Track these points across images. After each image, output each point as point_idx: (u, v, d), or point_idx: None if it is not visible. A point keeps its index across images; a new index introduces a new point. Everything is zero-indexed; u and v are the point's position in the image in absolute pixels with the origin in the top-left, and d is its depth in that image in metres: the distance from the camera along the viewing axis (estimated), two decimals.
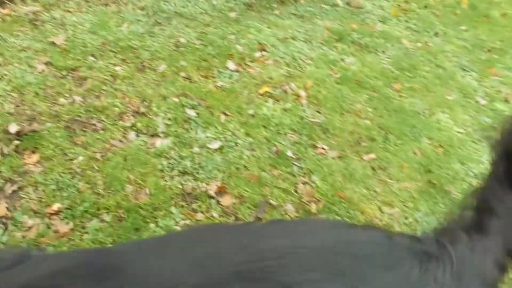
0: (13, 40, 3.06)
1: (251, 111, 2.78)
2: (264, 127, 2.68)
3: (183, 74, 3.03)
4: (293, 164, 2.46)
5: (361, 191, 2.37)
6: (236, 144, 2.52)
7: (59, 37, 3.15)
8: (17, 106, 2.51)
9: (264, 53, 3.45)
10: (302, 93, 3.04)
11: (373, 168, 2.53)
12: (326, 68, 3.38)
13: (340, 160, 2.55)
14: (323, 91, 3.11)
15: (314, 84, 3.16)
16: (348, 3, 4.49)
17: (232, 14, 3.94)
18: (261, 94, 2.97)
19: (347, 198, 2.30)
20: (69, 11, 3.55)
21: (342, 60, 3.53)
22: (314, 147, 2.60)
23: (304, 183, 2.36)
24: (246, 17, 3.93)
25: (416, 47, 3.87)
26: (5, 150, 2.18)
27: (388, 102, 3.10)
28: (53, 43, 3.08)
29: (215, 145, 2.49)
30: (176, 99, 2.77)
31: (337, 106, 2.98)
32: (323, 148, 2.60)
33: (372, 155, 2.61)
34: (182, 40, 3.41)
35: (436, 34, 4.17)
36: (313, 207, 2.22)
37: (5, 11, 3.36)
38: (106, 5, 3.77)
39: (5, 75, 2.71)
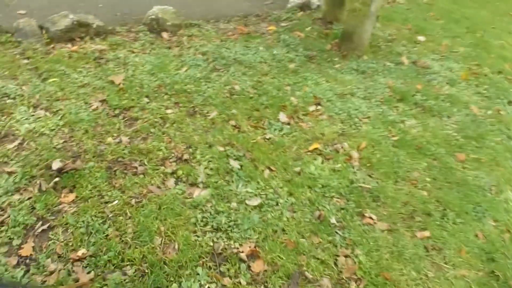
0: (76, 76, 3.18)
1: (297, 168, 2.63)
2: (309, 187, 2.51)
3: (232, 122, 2.97)
4: (336, 232, 2.25)
5: (410, 274, 2.09)
6: (277, 203, 2.36)
7: (119, 76, 3.24)
8: (65, 141, 2.55)
9: (319, 107, 3.32)
10: (355, 154, 2.85)
11: (426, 248, 2.25)
12: (384, 129, 3.18)
13: (389, 234, 2.30)
14: (377, 153, 2.90)
15: (368, 145, 2.96)
16: (414, 62, 4.30)
17: (291, 65, 3.89)
18: (310, 151, 2.82)
19: (393, 280, 2.04)
20: (133, 52, 3.68)
21: (402, 122, 3.31)
22: (362, 216, 2.38)
23: (346, 256, 2.13)
24: (305, 69, 3.86)
25: (485, 115, 3.57)
26: (44, 186, 2.18)
27: (450, 173, 2.82)
28: (112, 82, 3.17)
29: (255, 202, 2.35)
30: (221, 148, 2.69)
31: (392, 172, 2.75)
32: (371, 218, 2.37)
33: (426, 233, 2.34)
34: (237, 87, 3.38)
35: (509, 102, 3.84)
36: (352, 286, 1.99)
37: (74, 47, 3.54)
38: (169, 48, 3.88)
39: (61, 109, 2.79)
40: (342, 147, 2.90)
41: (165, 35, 4.05)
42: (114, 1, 4.53)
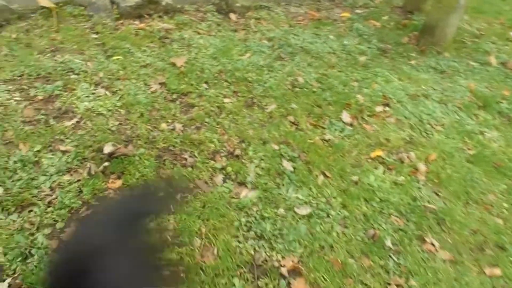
0: (139, 55, 3.15)
1: (355, 177, 2.42)
2: (366, 200, 2.30)
3: (291, 118, 2.80)
4: (390, 257, 2.04)
5: None
6: (328, 215, 2.19)
7: (181, 58, 3.17)
8: (120, 124, 2.52)
9: (387, 108, 3.05)
10: (422, 166, 2.57)
11: None
12: (459, 140, 2.85)
13: (452, 266, 2.05)
14: (448, 168, 2.60)
15: (439, 157, 2.67)
16: (503, 63, 3.84)
17: (362, 58, 3.60)
18: (372, 158, 2.59)
19: None
20: (198, 33, 3.59)
21: (482, 133, 2.95)
22: (422, 240, 2.14)
23: (398, 285, 1.92)
24: (376, 64, 3.56)
25: None
26: (93, 170, 2.17)
27: None
28: (173, 64, 3.10)
29: (304, 210, 2.19)
30: (276, 146, 2.54)
31: (463, 192, 2.45)
32: (432, 245, 2.13)
33: (497, 270, 2.05)
34: (300, 79, 3.19)
35: None
36: None
37: (141, 25, 3.51)
38: (235, 31, 3.74)
39: (120, 89, 2.77)
40: (408, 157, 2.64)
41: (233, 16, 3.91)
42: None
